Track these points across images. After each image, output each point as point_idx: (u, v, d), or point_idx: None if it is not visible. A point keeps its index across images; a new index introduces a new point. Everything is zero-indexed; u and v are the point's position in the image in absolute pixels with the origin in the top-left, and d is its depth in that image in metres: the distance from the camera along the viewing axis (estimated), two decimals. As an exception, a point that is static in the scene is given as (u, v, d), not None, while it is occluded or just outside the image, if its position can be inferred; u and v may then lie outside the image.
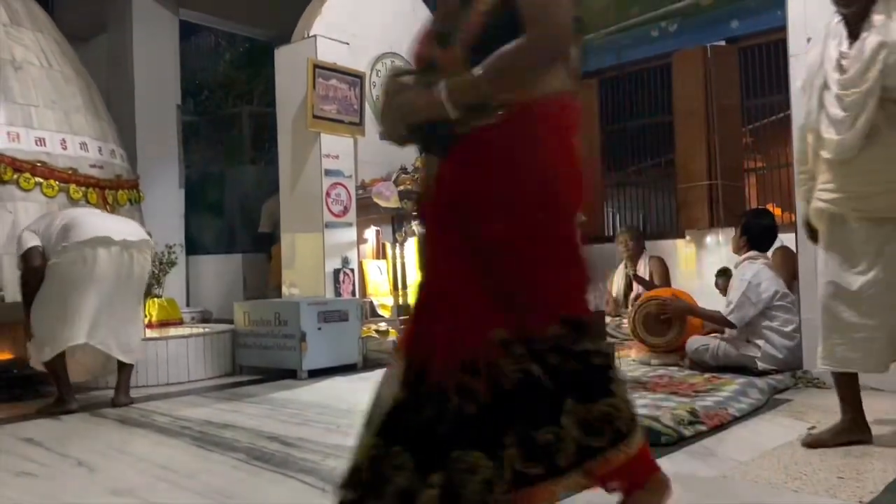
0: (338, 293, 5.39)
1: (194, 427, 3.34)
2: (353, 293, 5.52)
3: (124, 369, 3.96)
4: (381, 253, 6.03)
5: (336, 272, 5.46)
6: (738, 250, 4.20)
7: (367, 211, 5.71)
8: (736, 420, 3.07)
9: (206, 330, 5.11)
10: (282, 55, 5.70)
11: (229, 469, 2.66)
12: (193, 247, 7.40)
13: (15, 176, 4.59)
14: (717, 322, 4.18)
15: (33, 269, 3.68)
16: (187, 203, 7.38)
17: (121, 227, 3.91)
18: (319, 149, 5.43)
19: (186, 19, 7.84)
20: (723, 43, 6.46)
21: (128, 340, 3.93)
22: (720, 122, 6.35)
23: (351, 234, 5.63)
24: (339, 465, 2.58)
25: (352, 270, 5.59)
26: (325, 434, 3.08)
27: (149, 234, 4.19)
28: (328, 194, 5.46)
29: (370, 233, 6.01)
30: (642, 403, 3.10)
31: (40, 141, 4.84)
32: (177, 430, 3.31)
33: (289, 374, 4.62)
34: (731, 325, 3.99)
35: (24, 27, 5.14)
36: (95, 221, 3.86)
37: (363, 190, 5.69)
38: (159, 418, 3.58)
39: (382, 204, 5.54)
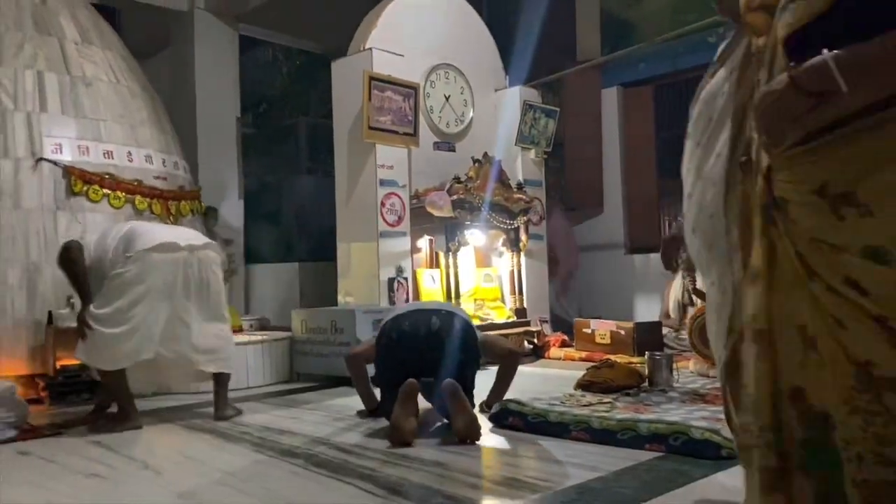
0: (392, 301, 5.44)
1: (254, 433, 3.42)
2: (407, 301, 5.56)
3: (219, 380, 3.83)
4: (434, 262, 6.07)
5: (390, 281, 5.52)
6: None
7: (420, 220, 5.76)
8: (799, 434, 2.98)
9: (265, 337, 5.21)
10: (338, 68, 5.80)
11: (288, 474, 2.71)
12: (252, 255, 7.57)
13: (85, 188, 4.78)
14: None
15: (71, 259, 3.60)
16: (246, 213, 7.56)
17: (184, 234, 3.84)
18: (374, 159, 5.50)
19: (246, 34, 8.06)
20: (783, 48, 6.31)
21: (214, 349, 3.78)
22: (780, 128, 6.20)
23: (405, 243, 5.68)
24: (396, 472, 2.62)
25: (406, 279, 5.63)
26: (382, 441, 3.11)
27: (227, 241, 4.03)
28: (383, 204, 5.52)
29: (423, 242, 6.05)
30: (701, 416, 3.04)
31: (108, 154, 5.03)
32: (237, 436, 3.38)
33: (345, 381, 4.67)
34: None
35: (94, 45, 5.36)
36: (157, 229, 3.83)
37: (417, 199, 5.74)
38: (220, 424, 3.67)
39: (436, 213, 5.57)
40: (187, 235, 3.83)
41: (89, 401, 4.38)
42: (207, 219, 6.68)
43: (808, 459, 1.16)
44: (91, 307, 3.52)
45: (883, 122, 1.07)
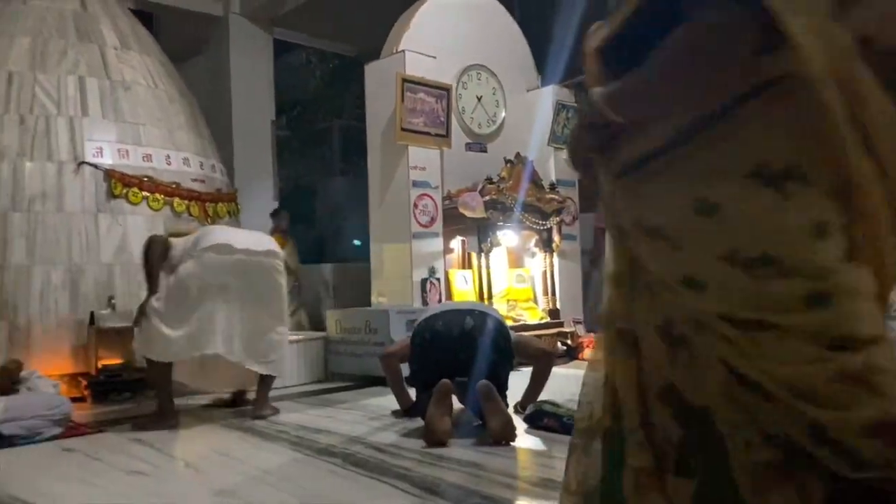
0: (425, 302, 5.46)
1: (291, 432, 3.46)
2: (440, 302, 5.58)
3: (264, 381, 3.93)
4: (466, 262, 6.08)
5: (423, 281, 5.54)
6: None
7: (453, 221, 5.77)
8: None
9: (300, 337, 5.27)
10: (371, 70, 5.84)
11: (326, 473, 2.74)
12: (286, 257, 7.65)
13: (125, 190, 4.88)
14: None
15: (147, 252, 3.73)
16: (280, 214, 7.63)
17: (244, 238, 3.88)
18: (407, 161, 5.53)
19: (280, 38, 8.15)
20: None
21: (265, 352, 3.84)
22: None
23: (437, 243, 5.70)
24: (432, 472, 2.64)
25: (438, 280, 5.65)
26: (417, 441, 3.13)
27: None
28: (415, 205, 5.55)
29: (456, 242, 6.06)
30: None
31: (147, 157, 5.13)
32: (274, 435, 3.43)
33: (379, 381, 4.70)
34: None
35: (133, 50, 5.47)
36: (221, 232, 3.91)
37: (449, 200, 5.76)
38: (258, 423, 3.72)
39: (468, 214, 5.58)
40: (248, 239, 3.88)
41: (130, 399, 4.48)
42: (279, 219, 6.85)
43: (684, 462, 1.14)
44: (152, 299, 3.62)
45: (675, 157, 1.08)
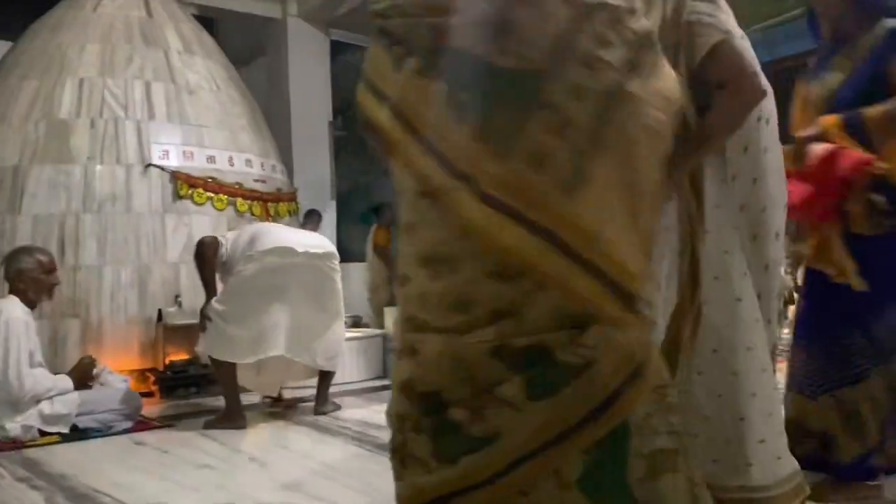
0: (482, 300, 5.44)
1: (352, 427, 3.50)
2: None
3: (325, 378, 4.00)
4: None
5: (480, 279, 5.52)
6: None
7: (510, 218, 5.73)
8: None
9: (360, 334, 5.32)
10: (427, 68, 5.84)
11: (387, 469, 2.72)
12: (344, 255, 7.71)
13: (190, 191, 5.01)
14: None
15: (200, 255, 3.71)
16: (338, 213, 7.73)
17: (304, 240, 3.88)
18: (463, 158, 5.51)
19: (336, 39, 8.24)
20: (892, 31, 5.97)
21: (325, 350, 3.88)
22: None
23: (494, 241, 5.66)
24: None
25: (495, 278, 5.62)
26: (477, 439, 3.12)
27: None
28: (472, 203, 5.53)
29: (513, 240, 6.02)
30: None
31: (211, 158, 5.25)
32: (336, 430, 3.48)
33: (437, 379, 4.72)
34: None
35: (197, 55, 5.61)
36: (280, 233, 3.90)
37: (506, 198, 5.72)
38: (320, 418, 3.78)
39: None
40: (308, 241, 3.88)
41: (196, 394, 4.59)
42: (383, 214, 7.07)
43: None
44: (213, 302, 3.62)
45: None
